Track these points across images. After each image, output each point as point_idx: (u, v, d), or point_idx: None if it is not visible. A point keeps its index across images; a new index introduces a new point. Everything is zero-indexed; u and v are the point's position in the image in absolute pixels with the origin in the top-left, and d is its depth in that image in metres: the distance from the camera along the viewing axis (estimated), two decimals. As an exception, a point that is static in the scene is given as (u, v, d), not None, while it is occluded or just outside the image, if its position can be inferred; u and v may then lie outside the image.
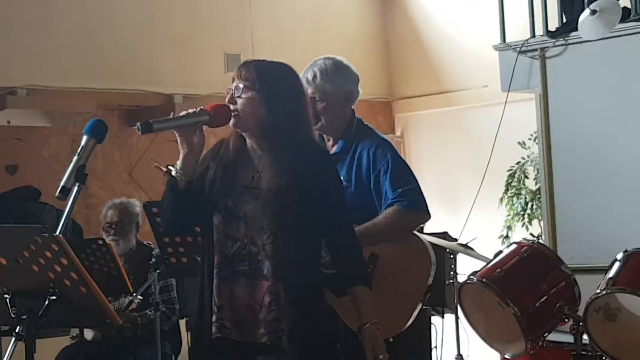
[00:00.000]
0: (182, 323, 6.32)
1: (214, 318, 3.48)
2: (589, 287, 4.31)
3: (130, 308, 5.74)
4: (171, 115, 3.45)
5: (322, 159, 3.58)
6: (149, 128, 3.32)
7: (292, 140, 3.47)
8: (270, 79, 3.49)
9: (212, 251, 3.51)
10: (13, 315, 3.23)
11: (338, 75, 4.33)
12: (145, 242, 6.17)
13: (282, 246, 3.41)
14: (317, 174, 3.47)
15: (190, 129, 3.43)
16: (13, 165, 7.66)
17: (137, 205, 6.23)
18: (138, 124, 3.32)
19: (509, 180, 8.32)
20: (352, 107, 4.41)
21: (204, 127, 3.46)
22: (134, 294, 5.66)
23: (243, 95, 3.46)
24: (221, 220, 3.50)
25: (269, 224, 3.41)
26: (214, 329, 3.48)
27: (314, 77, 4.30)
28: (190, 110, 3.43)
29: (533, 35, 6.81)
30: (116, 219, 6.13)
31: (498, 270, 4.34)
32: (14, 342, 3.23)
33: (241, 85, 3.47)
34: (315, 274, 3.50)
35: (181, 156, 3.46)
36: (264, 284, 3.42)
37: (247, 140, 3.53)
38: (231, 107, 3.47)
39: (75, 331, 6.08)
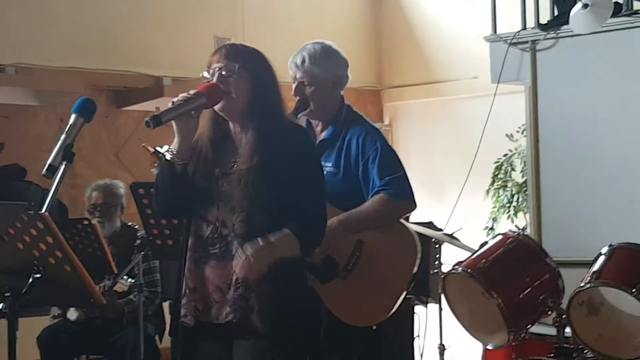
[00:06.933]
0: (166, 305, 6.30)
1: (184, 301, 3.49)
2: (573, 280, 4.32)
3: (120, 291, 5.69)
4: (170, 104, 3.40)
5: (297, 136, 3.55)
6: (158, 121, 3.28)
7: (274, 119, 3.47)
8: (256, 60, 3.51)
9: (189, 234, 3.52)
10: (-4, 293, 3.23)
11: (327, 59, 4.32)
12: (129, 224, 6.14)
13: (252, 223, 3.39)
14: (290, 151, 3.45)
15: (189, 114, 3.41)
16: (-1, 142, 7.63)
17: (121, 187, 6.17)
18: (146, 119, 3.28)
19: (496, 172, 8.33)
20: (342, 93, 4.40)
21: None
22: (118, 275, 5.63)
23: (236, 76, 3.45)
24: (198, 204, 3.50)
25: (239, 202, 3.40)
26: (183, 312, 3.49)
27: (303, 61, 4.29)
28: (187, 95, 3.38)
29: (524, 28, 6.82)
30: (101, 201, 6.07)
31: (483, 260, 4.34)
32: (-4, 319, 3.23)
33: (235, 66, 3.45)
34: None
35: (178, 141, 3.44)
36: (232, 264, 3.41)
37: (231, 124, 3.53)
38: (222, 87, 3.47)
39: (56, 311, 6.06)
